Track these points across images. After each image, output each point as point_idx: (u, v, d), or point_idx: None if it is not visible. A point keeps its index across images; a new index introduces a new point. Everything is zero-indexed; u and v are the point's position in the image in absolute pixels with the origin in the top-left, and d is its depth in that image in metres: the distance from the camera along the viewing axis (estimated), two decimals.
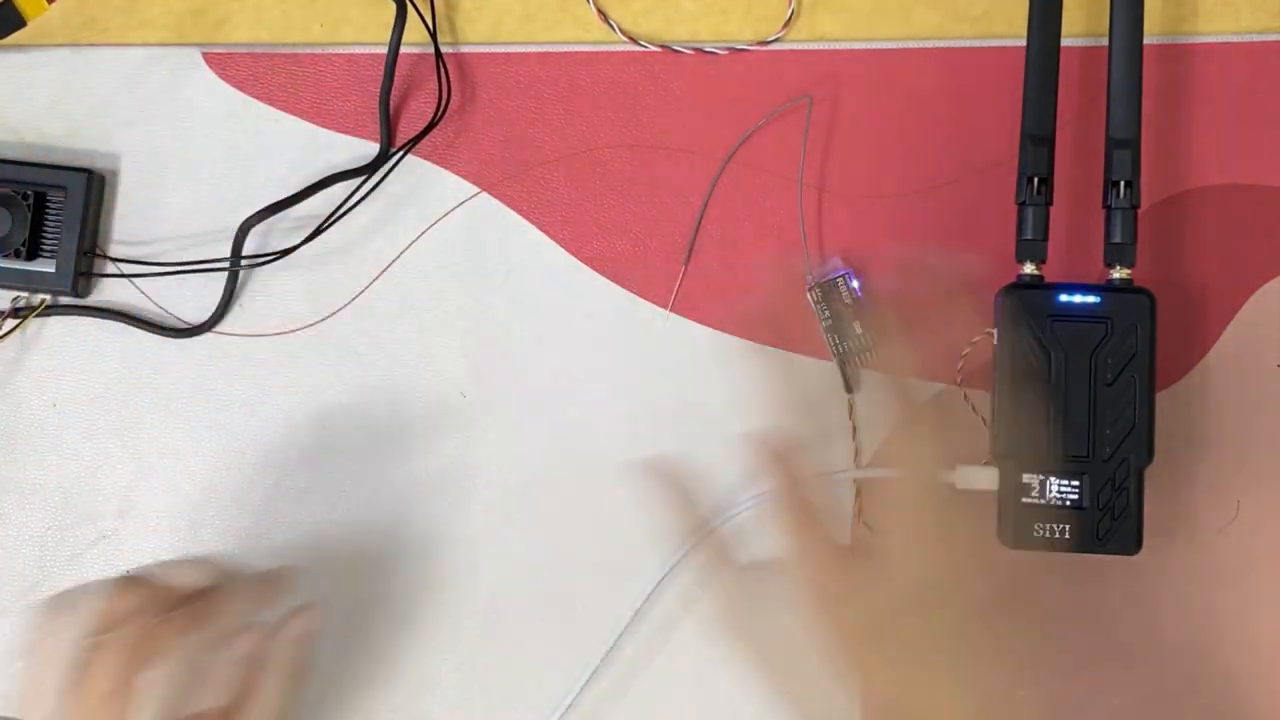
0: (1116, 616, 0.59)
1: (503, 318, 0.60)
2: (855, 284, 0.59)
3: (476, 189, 0.61)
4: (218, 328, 0.61)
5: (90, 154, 0.62)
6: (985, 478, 0.54)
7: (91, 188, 0.60)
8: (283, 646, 0.52)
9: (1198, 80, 0.60)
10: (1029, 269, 0.55)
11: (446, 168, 0.61)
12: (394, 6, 0.59)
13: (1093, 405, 0.53)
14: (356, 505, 0.60)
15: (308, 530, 0.60)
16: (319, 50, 0.62)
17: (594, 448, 0.60)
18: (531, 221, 0.61)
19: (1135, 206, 0.55)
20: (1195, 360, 0.59)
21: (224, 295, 0.60)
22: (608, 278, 0.60)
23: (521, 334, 0.60)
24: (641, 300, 0.60)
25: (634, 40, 0.61)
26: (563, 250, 0.61)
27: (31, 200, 0.59)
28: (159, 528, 0.60)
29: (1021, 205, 0.55)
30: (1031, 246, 0.55)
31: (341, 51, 0.62)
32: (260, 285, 0.61)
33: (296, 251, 0.60)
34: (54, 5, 0.60)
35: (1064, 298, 0.54)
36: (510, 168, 0.61)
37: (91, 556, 0.60)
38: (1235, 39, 0.60)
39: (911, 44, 0.60)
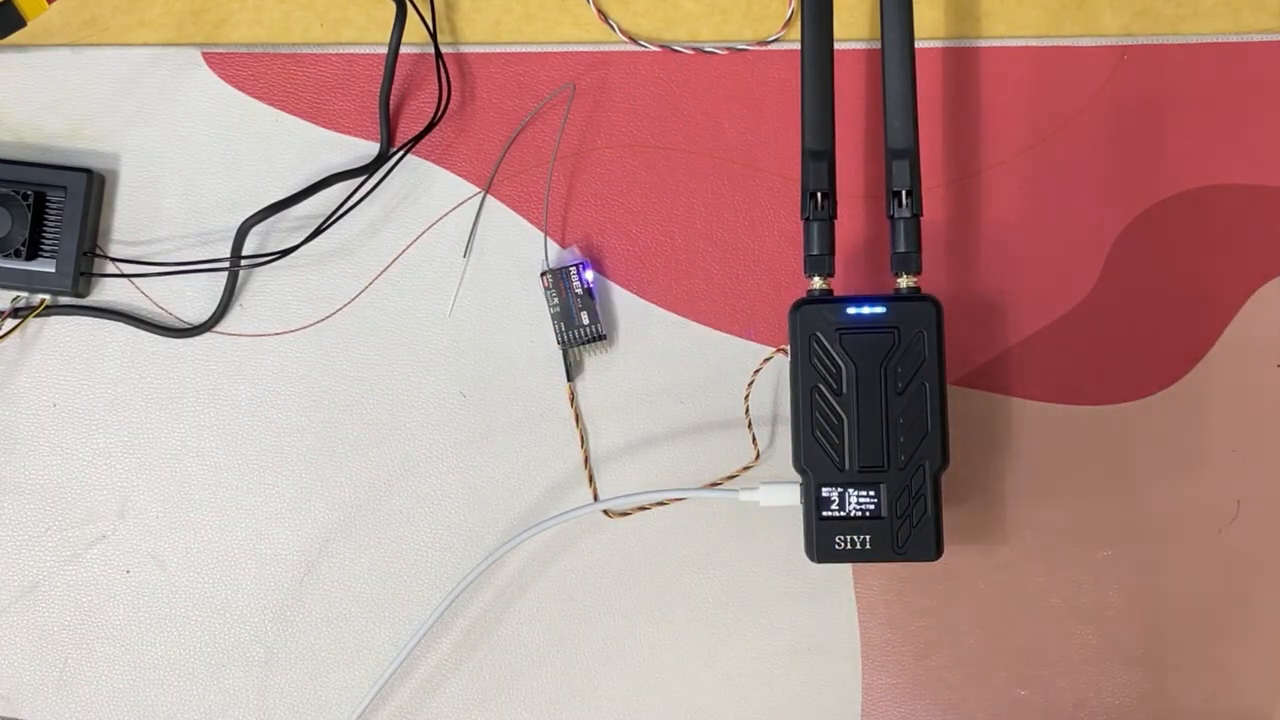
0: (1116, 616, 0.59)
1: (502, 318, 0.60)
2: (589, 275, 0.59)
3: (476, 189, 0.61)
4: (218, 328, 0.61)
5: (90, 154, 0.61)
6: (787, 494, 0.54)
7: (91, 188, 0.60)
8: None
9: (1197, 81, 0.60)
10: (818, 283, 0.55)
11: (446, 168, 0.61)
12: (394, 6, 0.59)
13: (886, 414, 0.53)
14: (356, 504, 0.60)
15: (307, 530, 0.60)
16: (319, 50, 0.62)
17: (599, 438, 0.60)
18: (531, 221, 0.61)
19: (917, 215, 0.54)
20: (1195, 360, 0.59)
21: (224, 295, 0.60)
22: (606, 276, 0.60)
23: (521, 334, 0.60)
24: (640, 299, 0.60)
25: (634, 40, 0.61)
26: (562, 250, 0.61)
27: (31, 200, 0.59)
28: (159, 528, 0.60)
29: (806, 221, 0.55)
30: (818, 261, 0.54)
31: (341, 51, 0.62)
32: (260, 285, 0.61)
33: (296, 251, 0.60)
34: (54, 5, 0.60)
35: (852, 310, 0.53)
36: (510, 168, 0.61)
37: (91, 556, 0.60)
38: (1234, 39, 0.60)
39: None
